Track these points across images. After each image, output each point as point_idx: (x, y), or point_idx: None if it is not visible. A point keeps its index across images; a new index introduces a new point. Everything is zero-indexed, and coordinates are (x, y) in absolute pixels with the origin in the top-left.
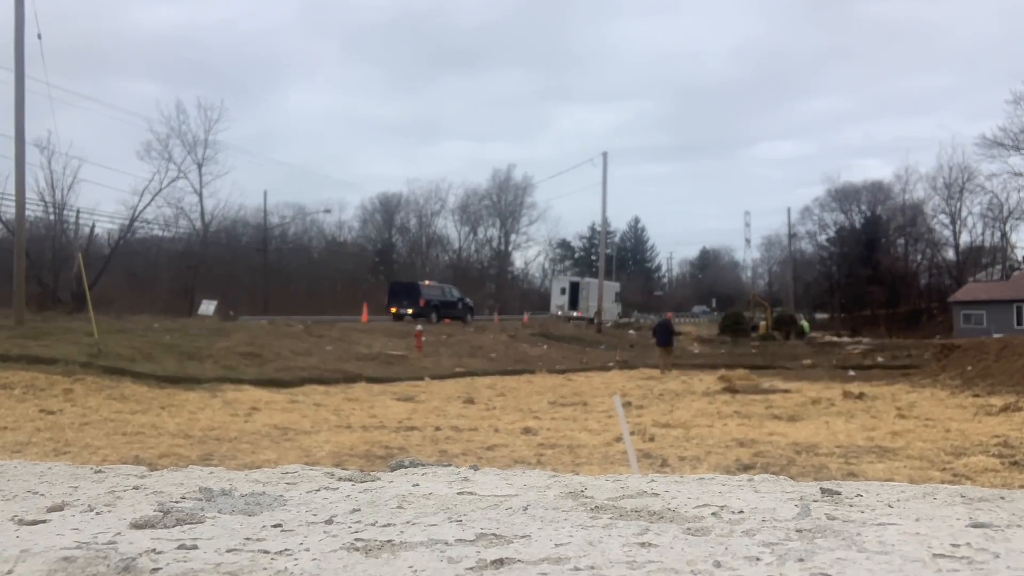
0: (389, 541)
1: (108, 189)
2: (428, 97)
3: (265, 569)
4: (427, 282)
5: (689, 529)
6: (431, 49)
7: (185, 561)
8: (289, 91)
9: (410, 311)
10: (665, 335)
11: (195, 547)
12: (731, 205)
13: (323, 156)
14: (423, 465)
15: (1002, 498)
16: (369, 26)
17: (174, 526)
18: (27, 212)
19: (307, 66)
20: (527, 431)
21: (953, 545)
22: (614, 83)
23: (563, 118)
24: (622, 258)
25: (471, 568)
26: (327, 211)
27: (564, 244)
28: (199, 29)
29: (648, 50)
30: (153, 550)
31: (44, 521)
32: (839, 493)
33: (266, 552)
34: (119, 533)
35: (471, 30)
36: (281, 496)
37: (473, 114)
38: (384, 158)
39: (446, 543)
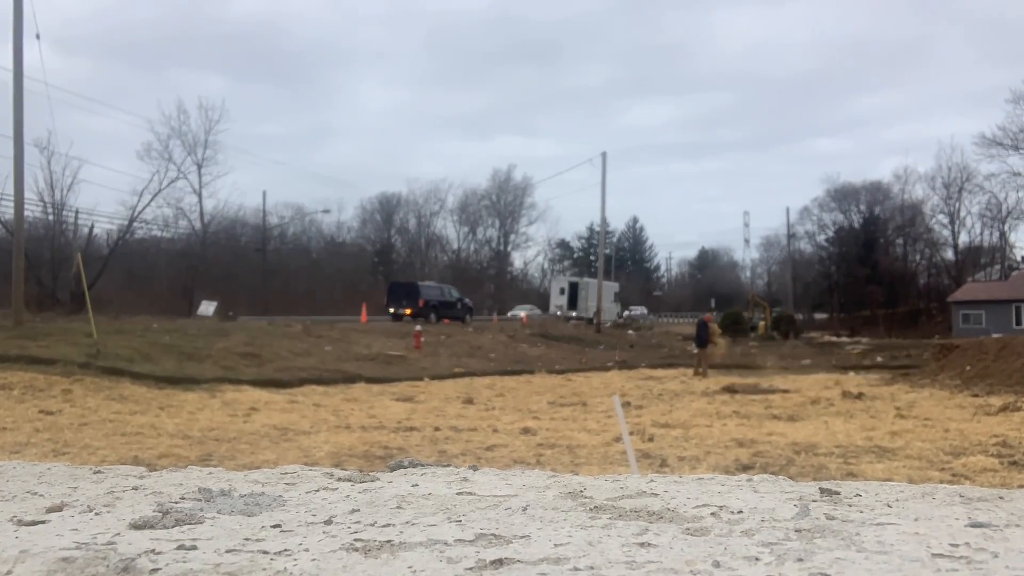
0: (388, 541)
1: (107, 189)
2: (499, 91)
3: (264, 569)
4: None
5: (688, 529)
6: (512, 40)
7: (184, 562)
8: (360, 84)
9: (409, 311)
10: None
11: (194, 547)
12: (750, 203)
13: (383, 149)
14: (422, 465)
15: (1001, 498)
16: (453, 16)
17: (173, 527)
18: (26, 212)
19: (379, 59)
20: (526, 431)
21: (952, 545)
22: (687, 77)
23: (624, 113)
24: (621, 258)
25: (470, 568)
26: (326, 211)
27: (563, 244)
28: (281, 17)
29: (734, 42)
30: (152, 550)
31: (43, 522)
32: (838, 493)
33: (265, 552)
34: (118, 534)
35: (556, 22)
36: (280, 496)
37: (536, 108)
38: (440, 153)
39: (445, 543)
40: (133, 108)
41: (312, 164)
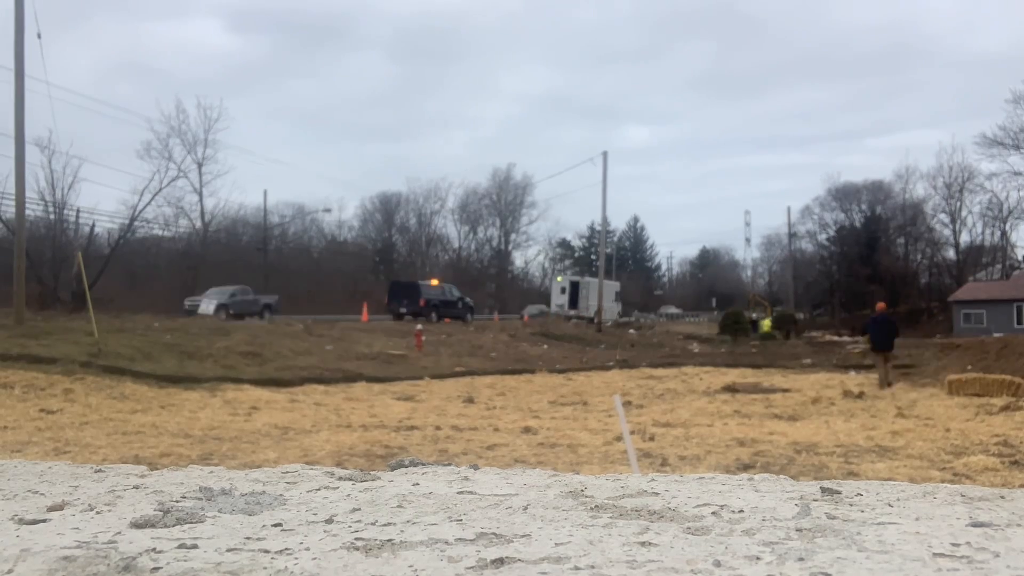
0: (389, 540)
1: (108, 188)
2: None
3: (265, 568)
4: (433, 281)
5: (689, 528)
6: (677, 12)
7: (185, 560)
8: (502, 70)
9: (404, 310)
10: (884, 335)
11: (195, 546)
12: (751, 202)
13: (500, 139)
14: (423, 464)
15: (1002, 497)
16: None
17: (174, 525)
18: (27, 211)
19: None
20: (527, 430)
21: (953, 544)
22: (806, 61)
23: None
24: (622, 257)
25: (471, 567)
26: (327, 210)
27: (564, 243)
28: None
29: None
30: (153, 549)
31: (44, 520)
32: (839, 492)
33: (266, 551)
34: (119, 532)
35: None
36: (281, 495)
37: (672, 95)
38: (571, 141)
39: (446, 542)
40: (300, 87)
41: (416, 154)
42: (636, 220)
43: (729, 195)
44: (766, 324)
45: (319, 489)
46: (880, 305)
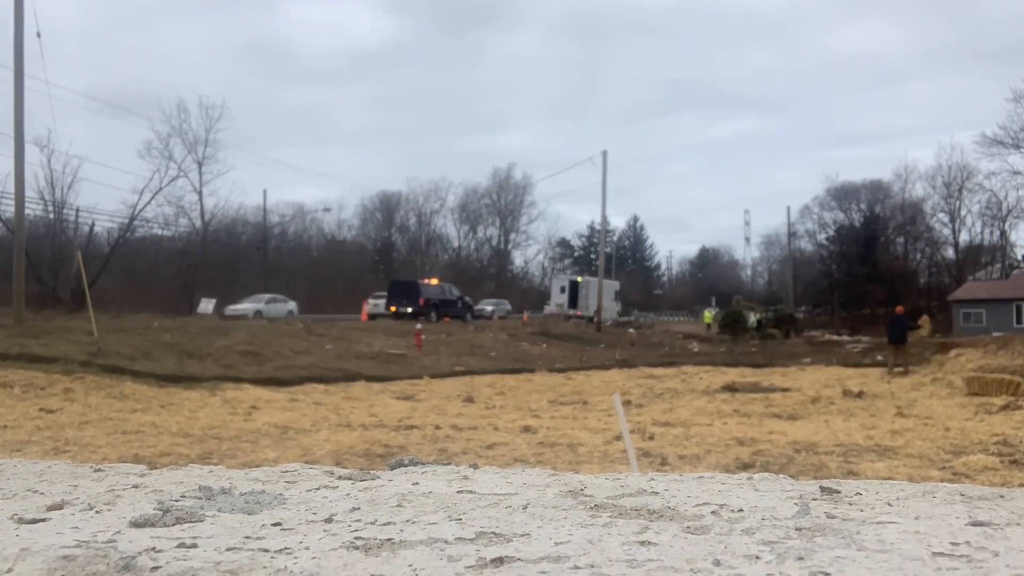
0: (389, 540)
1: (108, 188)
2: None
3: (265, 568)
4: (431, 281)
5: (689, 528)
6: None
7: (185, 559)
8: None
9: (409, 309)
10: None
11: (195, 545)
12: (751, 202)
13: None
14: (423, 464)
15: (1001, 496)
16: None
17: (174, 524)
18: (27, 211)
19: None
20: (527, 430)
21: (952, 544)
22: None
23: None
24: (621, 256)
25: (471, 566)
26: (327, 210)
27: (564, 243)
28: None
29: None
30: (153, 548)
31: (44, 520)
32: (838, 492)
33: (266, 551)
34: (119, 532)
35: None
36: (281, 495)
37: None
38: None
39: (446, 541)
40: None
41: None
42: (636, 219)
43: (729, 194)
44: (707, 316)
45: (318, 488)
46: (899, 308)
